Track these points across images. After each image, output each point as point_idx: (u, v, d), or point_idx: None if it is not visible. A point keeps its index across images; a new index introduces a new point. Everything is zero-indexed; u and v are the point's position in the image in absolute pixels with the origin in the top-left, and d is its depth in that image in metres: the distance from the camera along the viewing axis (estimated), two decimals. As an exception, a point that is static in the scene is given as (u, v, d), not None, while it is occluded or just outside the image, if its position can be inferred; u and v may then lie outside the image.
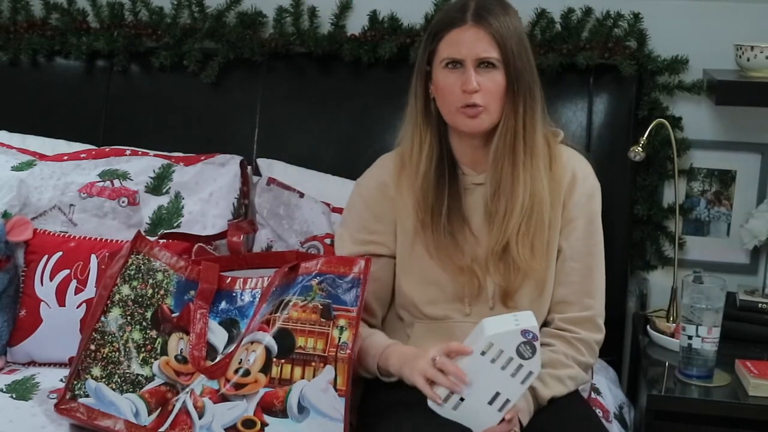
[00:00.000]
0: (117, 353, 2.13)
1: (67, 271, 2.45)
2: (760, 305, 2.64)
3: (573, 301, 2.13)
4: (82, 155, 2.69)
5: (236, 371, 2.03)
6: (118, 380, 2.12)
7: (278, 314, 2.04)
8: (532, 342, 1.86)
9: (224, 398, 2.03)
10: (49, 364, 2.45)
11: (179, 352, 2.11)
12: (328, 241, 2.50)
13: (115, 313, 2.16)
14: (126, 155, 2.67)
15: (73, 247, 2.49)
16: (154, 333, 2.14)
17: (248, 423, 2.00)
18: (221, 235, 2.48)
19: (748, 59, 2.56)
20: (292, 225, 2.56)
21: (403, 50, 2.74)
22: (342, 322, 2.02)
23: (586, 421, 2.07)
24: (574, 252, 2.13)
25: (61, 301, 2.43)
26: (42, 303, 2.44)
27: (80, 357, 2.15)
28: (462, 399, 1.92)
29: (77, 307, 2.42)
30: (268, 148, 2.83)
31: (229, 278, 2.18)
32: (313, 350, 2.00)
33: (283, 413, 1.99)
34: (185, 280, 2.18)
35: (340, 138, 2.80)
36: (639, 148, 2.59)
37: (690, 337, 2.33)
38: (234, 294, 2.16)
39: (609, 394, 2.52)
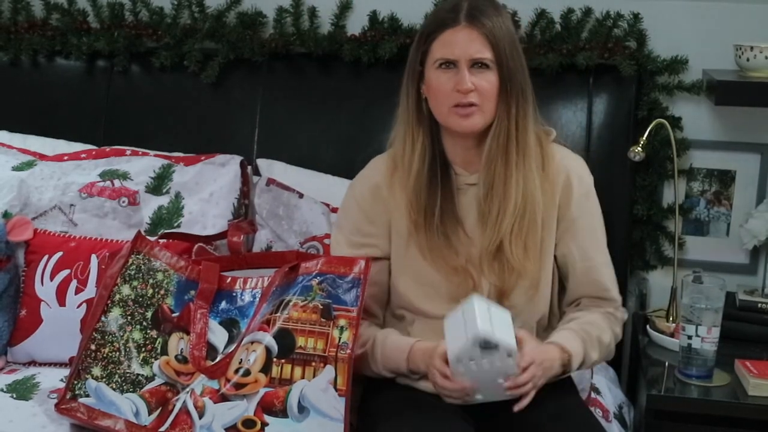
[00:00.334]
0: (117, 353, 2.13)
1: (67, 271, 2.45)
2: (759, 305, 2.64)
3: (598, 295, 2.16)
4: (83, 155, 2.69)
5: (236, 371, 2.03)
6: (119, 380, 2.12)
7: (278, 314, 2.04)
8: (488, 339, 1.89)
9: (224, 398, 2.03)
10: (50, 364, 2.45)
11: (179, 352, 2.11)
12: (327, 241, 2.50)
13: (116, 312, 2.16)
14: (126, 155, 2.68)
15: (74, 247, 2.49)
16: (154, 333, 2.14)
17: (248, 423, 2.00)
18: (221, 235, 2.49)
19: (748, 59, 2.56)
20: (292, 225, 2.56)
21: (403, 50, 2.73)
22: (342, 322, 2.02)
23: (585, 423, 2.07)
24: (584, 252, 2.14)
25: (61, 301, 2.43)
26: (42, 303, 2.44)
27: (80, 357, 2.15)
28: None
29: (77, 307, 2.42)
30: (268, 148, 2.83)
31: (230, 278, 2.18)
32: (314, 350, 2.00)
33: (283, 413, 1.99)
34: (185, 280, 2.18)
35: (340, 138, 2.80)
36: (639, 148, 2.59)
37: (690, 337, 2.33)
38: (234, 294, 2.16)
39: (609, 393, 2.52)
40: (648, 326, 2.64)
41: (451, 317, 1.96)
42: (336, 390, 1.98)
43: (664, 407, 2.34)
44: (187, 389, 2.07)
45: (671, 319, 2.65)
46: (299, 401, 1.99)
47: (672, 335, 2.56)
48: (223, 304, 2.15)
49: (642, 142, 2.60)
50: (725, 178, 2.80)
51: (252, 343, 2.04)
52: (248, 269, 2.26)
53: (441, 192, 2.10)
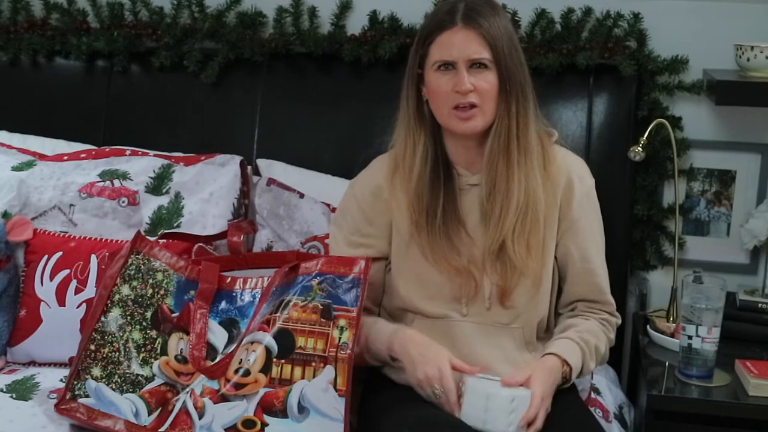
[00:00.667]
0: (117, 353, 2.13)
1: (67, 271, 2.45)
2: (760, 305, 2.64)
3: (594, 298, 2.18)
4: (82, 155, 2.69)
5: (236, 371, 2.03)
6: (118, 380, 2.12)
7: (278, 314, 2.04)
8: None
9: (224, 398, 2.03)
10: (49, 364, 2.45)
11: (179, 352, 2.11)
12: (328, 241, 2.50)
13: (115, 313, 2.16)
14: (126, 155, 2.68)
15: (73, 247, 2.49)
16: (154, 333, 2.14)
17: (248, 423, 2.00)
18: (221, 235, 2.48)
19: (748, 59, 2.56)
20: (292, 225, 2.56)
21: (403, 50, 2.73)
22: (342, 322, 2.02)
23: (585, 423, 2.07)
24: (583, 253, 2.15)
25: (61, 301, 2.43)
26: (42, 303, 2.44)
27: (80, 357, 2.15)
28: None
29: (77, 307, 2.42)
30: (268, 148, 2.83)
31: (229, 278, 2.18)
32: (314, 350, 2.00)
33: (283, 413, 1.99)
34: (185, 280, 2.18)
35: (340, 138, 2.80)
36: (639, 148, 2.59)
37: (690, 337, 2.33)
38: (234, 294, 2.16)
39: (609, 394, 2.52)
40: (648, 326, 2.64)
41: (476, 389, 1.99)
42: (336, 390, 1.98)
43: (664, 407, 2.34)
44: (187, 389, 2.07)
45: (671, 319, 2.65)
46: (299, 401, 1.99)
47: (672, 335, 2.56)
48: (223, 304, 2.15)
49: (642, 142, 2.60)
50: (725, 178, 2.80)
51: (252, 343, 2.04)
52: (248, 269, 2.26)
53: (443, 193, 2.10)
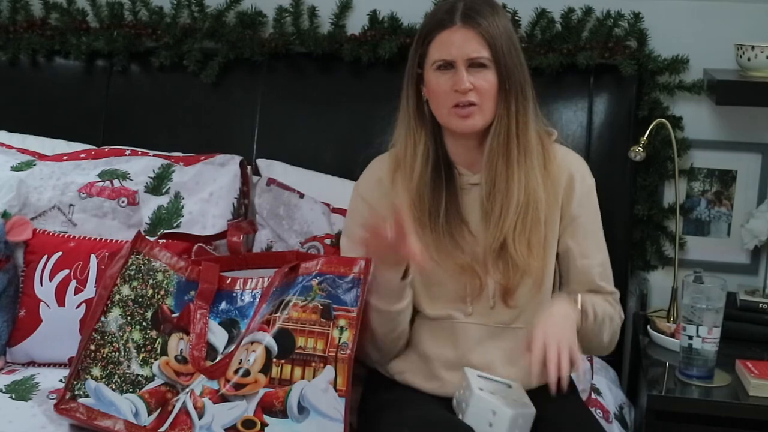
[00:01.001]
0: (117, 353, 2.13)
1: (66, 271, 2.45)
2: (760, 305, 2.64)
3: (595, 290, 2.16)
4: (82, 155, 2.69)
5: (236, 371, 2.03)
6: (118, 380, 2.11)
7: (278, 314, 2.04)
8: None
9: (224, 398, 2.02)
10: (49, 365, 2.44)
11: (179, 353, 2.11)
12: (328, 241, 2.50)
13: (115, 313, 2.16)
14: (126, 155, 2.67)
15: (73, 247, 2.48)
16: (154, 333, 2.14)
17: (248, 423, 2.00)
18: (221, 235, 2.48)
19: (749, 59, 2.55)
20: (292, 225, 2.56)
21: (403, 50, 2.72)
22: (342, 322, 2.02)
23: (585, 423, 2.07)
24: (584, 249, 2.14)
25: (60, 301, 2.43)
26: (42, 303, 2.44)
27: (80, 357, 2.14)
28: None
29: (77, 307, 2.41)
30: (268, 148, 2.82)
31: (230, 279, 2.18)
32: (313, 350, 2.00)
33: (283, 413, 1.99)
34: (185, 281, 2.18)
35: (340, 138, 2.79)
36: (639, 148, 2.59)
37: (690, 338, 2.32)
38: (234, 294, 2.16)
39: (609, 394, 2.52)
40: (648, 326, 2.64)
41: (481, 403, 1.99)
42: (336, 390, 1.98)
43: (664, 408, 2.34)
44: (187, 390, 2.07)
45: (672, 319, 2.65)
46: (299, 401, 1.98)
47: (673, 335, 2.56)
48: (223, 305, 2.15)
49: (643, 142, 2.60)
50: (726, 178, 2.80)
51: (252, 343, 2.04)
52: (248, 269, 2.26)
53: (445, 192, 2.10)
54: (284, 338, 2.02)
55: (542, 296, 2.11)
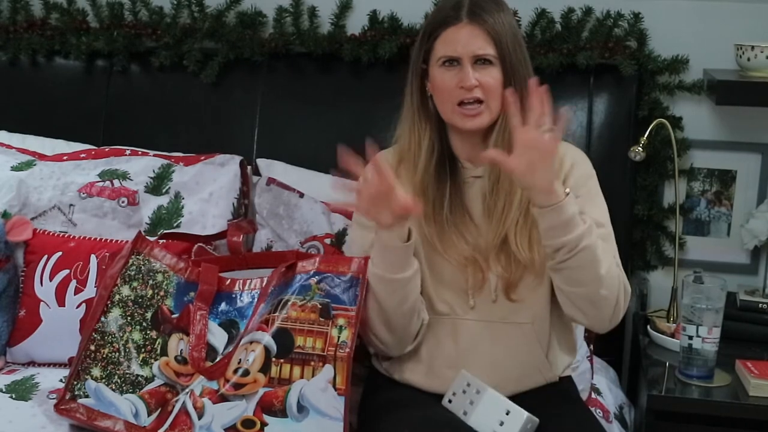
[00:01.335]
0: (117, 354, 2.13)
1: (66, 271, 2.45)
2: (760, 305, 2.64)
3: None
4: (82, 155, 2.69)
5: (235, 371, 2.03)
6: (118, 381, 2.11)
7: (277, 314, 2.04)
8: None
9: (224, 398, 2.02)
10: (49, 365, 2.44)
11: (179, 353, 2.11)
12: (328, 241, 2.50)
13: (115, 313, 2.16)
14: (126, 155, 2.67)
15: (73, 247, 2.48)
16: (154, 334, 2.14)
17: (248, 423, 2.00)
18: (221, 235, 2.48)
19: (749, 59, 2.56)
20: (292, 225, 2.56)
21: (403, 50, 2.73)
22: (341, 321, 2.02)
23: (585, 423, 2.07)
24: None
25: (60, 301, 2.43)
26: (42, 303, 2.44)
27: (80, 357, 2.14)
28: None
29: (77, 307, 2.41)
30: (268, 148, 2.82)
31: (229, 280, 2.18)
32: (312, 349, 2.00)
33: (282, 413, 1.99)
34: (185, 282, 2.18)
35: (340, 138, 2.76)
36: (639, 148, 2.59)
37: (690, 337, 2.33)
38: (234, 295, 2.16)
39: (609, 394, 2.52)
40: (648, 326, 2.64)
41: (494, 402, 2.00)
42: (335, 389, 1.98)
43: (664, 408, 2.34)
44: (187, 390, 2.07)
45: (672, 319, 2.65)
46: (298, 401, 1.98)
47: (672, 335, 2.56)
48: (223, 306, 2.15)
49: (642, 142, 2.60)
50: (726, 178, 2.80)
51: (251, 343, 2.04)
52: (248, 269, 2.26)
53: (450, 184, 2.10)
54: (283, 338, 2.01)
55: (543, 289, 2.11)
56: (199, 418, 2.02)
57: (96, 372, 2.13)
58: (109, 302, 2.16)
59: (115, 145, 2.75)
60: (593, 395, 2.43)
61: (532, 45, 2.72)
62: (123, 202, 2.57)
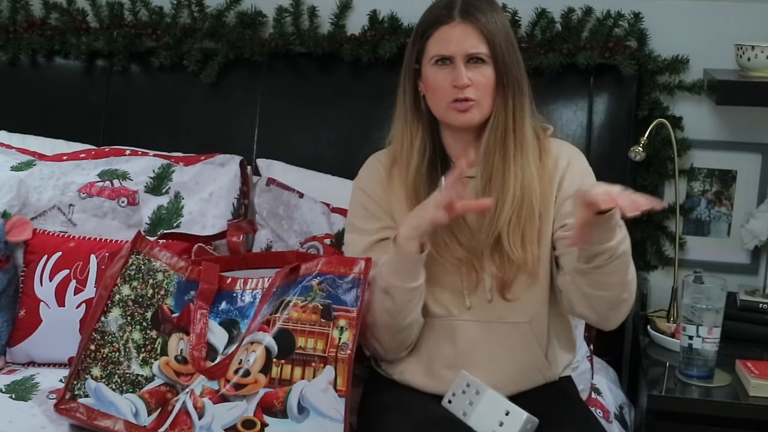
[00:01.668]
0: (117, 353, 2.13)
1: (66, 271, 2.45)
2: (760, 305, 2.64)
3: None
4: (82, 155, 2.69)
5: (236, 371, 2.03)
6: (118, 380, 2.11)
7: (278, 314, 2.04)
8: None
9: (224, 398, 2.02)
10: (49, 365, 2.44)
11: (179, 353, 2.11)
12: (327, 241, 2.50)
13: (115, 313, 2.16)
14: (126, 155, 2.67)
15: (73, 247, 2.48)
16: (154, 333, 2.14)
17: (248, 423, 2.00)
18: (221, 235, 2.48)
19: (749, 59, 2.56)
20: (292, 225, 2.56)
21: (403, 50, 2.70)
22: (342, 322, 2.02)
23: (585, 423, 2.07)
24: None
25: (60, 301, 2.43)
26: (41, 303, 2.44)
27: (80, 357, 2.14)
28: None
29: (77, 307, 2.41)
30: (268, 148, 2.82)
31: (230, 279, 2.18)
32: (313, 350, 2.00)
33: (283, 414, 1.99)
34: (185, 281, 2.18)
35: (340, 138, 2.80)
36: (639, 148, 2.59)
37: (690, 338, 2.33)
38: (234, 294, 2.16)
39: (609, 394, 2.52)
40: (649, 326, 2.64)
41: (493, 402, 2.00)
42: (336, 390, 1.98)
43: (664, 408, 2.34)
44: (187, 390, 2.07)
45: (672, 319, 2.65)
46: (299, 402, 1.98)
47: (673, 335, 2.56)
48: (223, 305, 2.15)
49: (643, 142, 2.60)
50: (726, 178, 2.80)
51: (252, 343, 2.04)
52: (248, 269, 2.26)
53: None
54: (284, 338, 2.01)
55: (539, 288, 2.11)
56: (200, 418, 2.02)
57: (96, 372, 2.13)
58: (109, 302, 2.16)
59: (115, 145, 2.75)
60: (593, 395, 2.43)
61: (532, 45, 2.72)
62: (123, 202, 2.57)
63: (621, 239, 1.93)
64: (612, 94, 2.72)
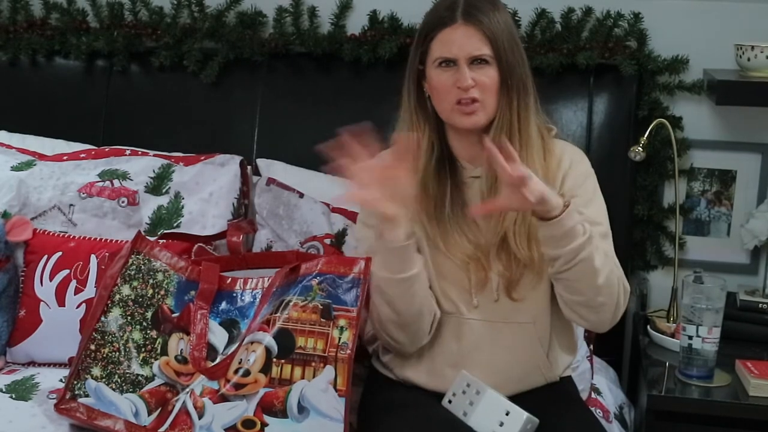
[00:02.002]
0: (117, 353, 2.13)
1: (66, 271, 2.45)
2: (760, 305, 2.64)
3: None
4: (82, 155, 2.69)
5: (236, 371, 2.03)
6: (118, 380, 2.11)
7: (278, 314, 2.04)
8: None
9: (224, 398, 2.02)
10: (49, 364, 2.44)
11: (179, 353, 2.11)
12: (328, 241, 2.50)
13: (116, 313, 2.16)
14: (126, 155, 2.67)
15: (73, 247, 2.48)
16: (154, 333, 2.14)
17: (248, 423, 2.00)
18: (221, 235, 2.48)
19: (749, 59, 2.56)
20: (292, 225, 2.56)
21: (403, 50, 2.73)
22: (342, 322, 2.02)
23: (585, 423, 2.07)
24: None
25: (60, 301, 2.43)
26: (42, 303, 2.44)
27: (80, 357, 2.14)
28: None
29: (77, 307, 2.41)
30: (268, 148, 2.82)
31: (230, 279, 2.18)
32: (313, 350, 2.00)
33: (283, 413, 1.99)
34: (185, 281, 2.18)
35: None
36: (639, 148, 2.59)
37: (690, 338, 2.33)
38: (234, 294, 2.16)
39: (609, 394, 2.52)
40: (648, 326, 2.64)
41: (494, 402, 2.00)
42: (336, 390, 1.98)
43: (664, 408, 2.34)
44: (187, 390, 2.07)
45: (672, 319, 2.65)
46: (299, 401, 1.98)
47: (672, 335, 2.56)
48: (224, 305, 2.15)
49: (642, 142, 2.60)
50: (726, 178, 2.80)
51: (252, 343, 2.04)
52: (248, 269, 2.26)
53: (450, 183, 2.10)
54: (284, 338, 2.01)
55: (544, 287, 2.11)
56: (200, 417, 2.03)
57: (96, 371, 2.13)
58: (109, 302, 2.16)
59: (115, 145, 2.75)
60: (593, 395, 2.44)
61: (532, 45, 2.72)
62: (123, 202, 2.57)
63: (578, 246, 1.94)
64: (612, 94, 2.72)
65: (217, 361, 2.07)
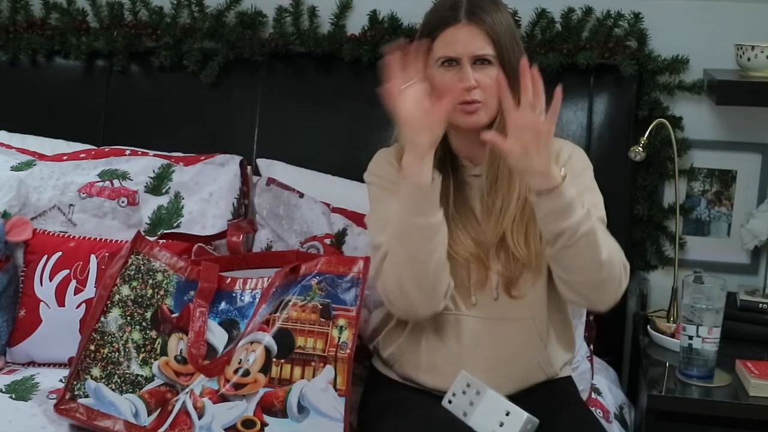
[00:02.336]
0: (117, 353, 2.13)
1: (66, 271, 2.45)
2: (760, 305, 2.64)
3: None
4: (82, 155, 2.69)
5: (236, 371, 2.03)
6: (118, 380, 2.11)
7: (278, 314, 2.04)
8: None
9: (224, 398, 2.02)
10: (49, 365, 2.44)
11: (179, 353, 2.11)
12: (327, 241, 2.50)
13: (115, 313, 2.16)
14: (126, 155, 2.67)
15: (73, 247, 2.48)
16: (153, 333, 2.14)
17: (248, 423, 2.00)
18: (221, 235, 2.48)
19: (749, 59, 2.56)
20: (292, 225, 2.56)
21: (403, 50, 2.73)
22: (341, 321, 2.02)
23: (585, 423, 2.07)
24: None
25: (60, 301, 2.43)
26: (41, 303, 2.44)
27: (80, 357, 2.14)
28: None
29: (77, 308, 2.41)
30: (268, 148, 2.82)
31: (229, 278, 2.18)
32: (313, 350, 2.00)
33: (282, 413, 1.99)
34: (185, 281, 2.18)
35: (340, 138, 2.79)
36: (639, 148, 2.59)
37: (690, 338, 2.33)
38: (234, 294, 2.16)
39: (609, 394, 2.52)
40: (649, 326, 2.64)
41: (494, 402, 2.00)
42: (335, 390, 1.98)
43: (664, 408, 2.34)
44: (187, 390, 2.07)
45: (672, 319, 2.65)
46: (299, 401, 1.98)
47: (673, 335, 2.56)
48: (223, 305, 2.15)
49: (643, 142, 2.60)
50: (726, 178, 2.80)
51: (251, 343, 2.04)
52: (247, 269, 2.26)
53: (452, 182, 2.10)
54: (284, 338, 2.02)
55: (542, 283, 2.11)
56: (199, 417, 2.03)
57: (96, 372, 2.13)
58: (108, 302, 2.16)
59: (115, 145, 2.75)
60: (593, 395, 2.44)
61: (532, 45, 2.73)
62: (123, 202, 2.57)
63: (581, 218, 1.92)
64: (612, 94, 2.72)
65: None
